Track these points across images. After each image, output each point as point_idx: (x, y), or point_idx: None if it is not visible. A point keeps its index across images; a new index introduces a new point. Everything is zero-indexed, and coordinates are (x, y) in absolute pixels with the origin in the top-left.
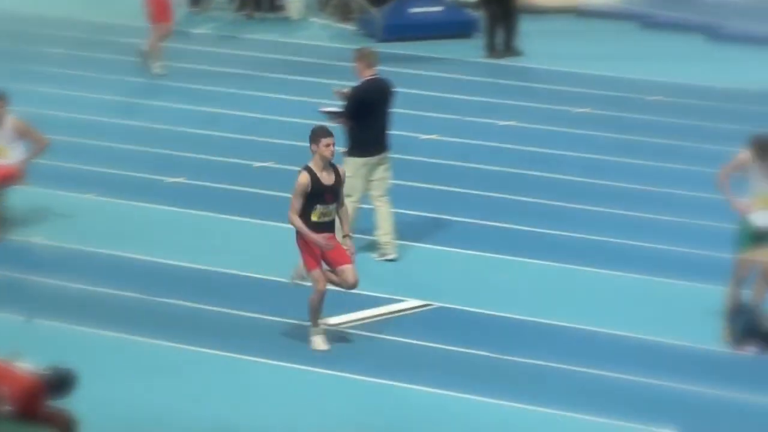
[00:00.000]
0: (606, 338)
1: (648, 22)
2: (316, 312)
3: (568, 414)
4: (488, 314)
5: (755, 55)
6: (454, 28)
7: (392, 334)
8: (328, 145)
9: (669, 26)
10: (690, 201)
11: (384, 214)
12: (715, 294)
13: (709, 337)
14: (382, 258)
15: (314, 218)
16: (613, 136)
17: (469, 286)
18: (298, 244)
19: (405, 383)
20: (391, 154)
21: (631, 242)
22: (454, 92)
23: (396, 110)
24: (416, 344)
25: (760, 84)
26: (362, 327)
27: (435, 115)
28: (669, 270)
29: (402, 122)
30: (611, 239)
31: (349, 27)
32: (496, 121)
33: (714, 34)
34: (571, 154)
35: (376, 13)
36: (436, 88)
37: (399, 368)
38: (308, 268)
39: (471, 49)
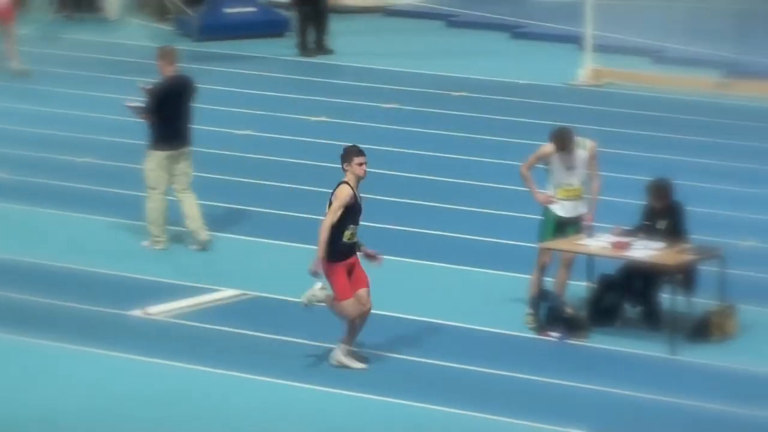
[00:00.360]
0: (417, 325)
1: (453, 21)
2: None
3: (376, 397)
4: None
5: (555, 52)
6: (267, 28)
7: (210, 322)
8: (361, 164)
9: (473, 25)
10: (495, 193)
11: (190, 205)
12: (519, 282)
13: (514, 323)
14: (195, 247)
15: (345, 238)
16: (420, 131)
17: (282, 275)
18: (328, 271)
19: (213, 368)
20: (208, 149)
21: (438, 233)
22: (268, 89)
23: (212, 107)
24: (231, 332)
25: (560, 79)
26: (182, 316)
27: (249, 111)
28: (476, 259)
29: (217, 118)
30: (419, 230)
31: (166, 27)
32: (309, 117)
33: (516, 32)
34: (380, 148)
35: (192, 14)
36: (250, 85)
37: (212, 354)
38: (341, 297)
39: (284, 48)
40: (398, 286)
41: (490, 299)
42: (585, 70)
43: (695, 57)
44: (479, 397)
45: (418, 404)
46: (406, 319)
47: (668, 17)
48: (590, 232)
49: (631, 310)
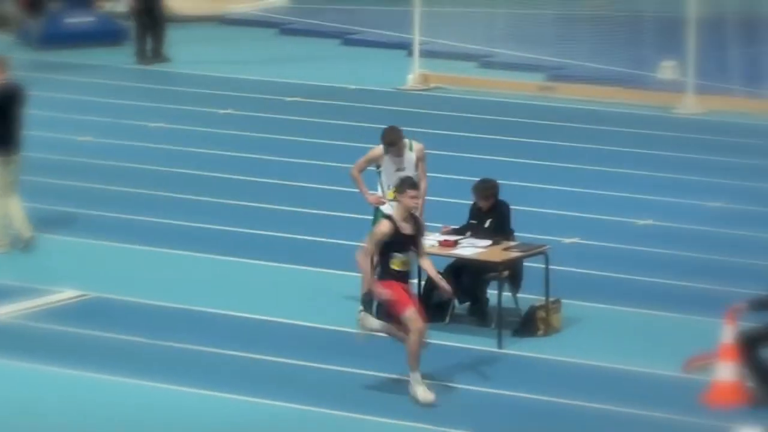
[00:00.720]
0: (251, 323)
1: (286, 29)
2: (417, 356)
3: (217, 394)
4: (141, 303)
5: (384, 58)
6: (106, 37)
7: (52, 323)
8: (413, 197)
9: (306, 32)
10: (327, 194)
11: (15, 207)
12: (352, 280)
13: (348, 319)
14: (21, 246)
15: (395, 266)
16: (255, 135)
17: (120, 276)
18: (377, 292)
19: (59, 368)
20: (51, 156)
21: (273, 234)
22: (108, 97)
23: (53, 114)
24: (75, 332)
25: (390, 84)
26: (23, 317)
27: (90, 118)
28: (308, 259)
29: (59, 125)
30: (256, 231)
31: (7, 36)
32: (148, 123)
33: (347, 39)
34: (216, 152)
35: (33, 23)
36: (90, 93)
37: (49, 354)
38: (400, 311)
39: (122, 57)
40: (231, 285)
41: (323, 297)
42: (414, 75)
43: (519, 61)
44: (312, 391)
45: (252, 399)
46: (240, 317)
47: (493, 24)
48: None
49: (459, 306)
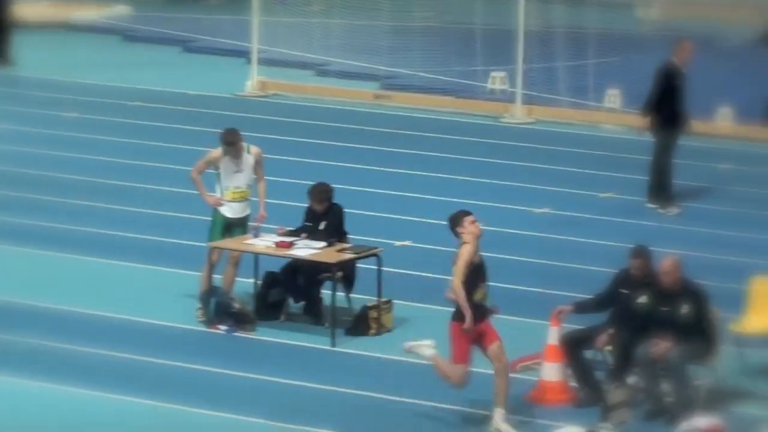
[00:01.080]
0: (97, 319)
1: (130, 36)
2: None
3: (60, 387)
4: None
5: (224, 65)
6: None
7: None
8: (473, 222)
9: (149, 39)
10: (168, 195)
11: None
12: (191, 279)
13: (187, 317)
14: None
15: (477, 297)
16: (100, 138)
17: None
18: (452, 332)
19: None
20: None
21: (116, 233)
22: None
23: None
24: None
25: (229, 90)
26: None
27: None
28: (150, 257)
29: None
30: (98, 230)
31: None
32: None
33: (189, 46)
34: (62, 153)
35: None
36: None
37: None
38: (455, 360)
39: None
40: (80, 283)
41: (163, 294)
42: (252, 82)
43: (355, 70)
44: (154, 386)
45: (96, 393)
46: (88, 314)
47: (329, 34)
48: (256, 232)
49: (294, 305)
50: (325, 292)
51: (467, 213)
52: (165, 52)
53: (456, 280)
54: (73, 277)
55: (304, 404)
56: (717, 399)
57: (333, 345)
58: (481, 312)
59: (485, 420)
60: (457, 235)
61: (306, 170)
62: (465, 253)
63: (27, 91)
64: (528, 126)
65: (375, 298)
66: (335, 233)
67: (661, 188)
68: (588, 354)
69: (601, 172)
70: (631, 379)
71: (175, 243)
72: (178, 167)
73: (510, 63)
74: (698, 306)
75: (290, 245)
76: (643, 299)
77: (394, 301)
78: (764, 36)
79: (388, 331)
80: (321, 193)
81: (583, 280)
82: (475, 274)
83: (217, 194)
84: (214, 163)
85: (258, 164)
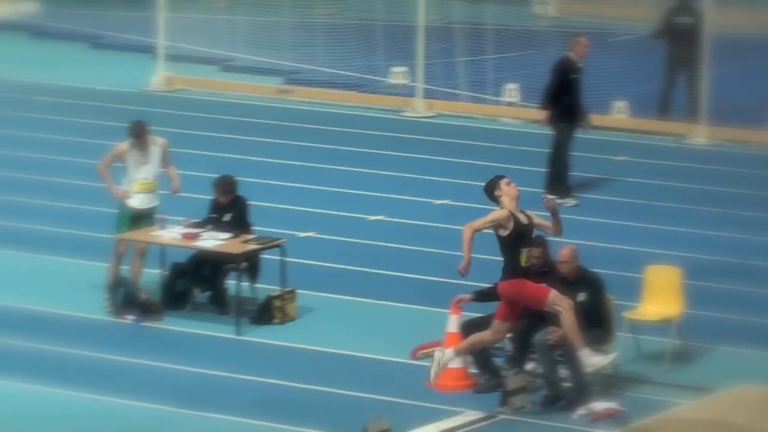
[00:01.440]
0: (2, 310)
1: (38, 32)
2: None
3: None
4: None
5: (130, 61)
6: None
7: None
8: (509, 183)
9: (56, 35)
10: (76, 189)
11: None
12: (98, 270)
13: (95, 307)
14: None
15: (523, 263)
16: (7, 132)
17: None
18: (516, 286)
19: None
20: None
21: (24, 225)
22: None
23: None
24: None
25: (135, 86)
26: None
27: None
28: (59, 249)
29: None
30: (6, 223)
31: None
32: None
33: (95, 42)
34: None
35: None
36: None
37: None
38: (498, 317)
39: None
40: None
41: (71, 285)
42: (158, 77)
43: (259, 65)
44: (60, 375)
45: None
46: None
47: (234, 30)
48: (163, 223)
49: (200, 295)
50: (230, 283)
51: (502, 176)
52: (73, 48)
53: (470, 224)
54: None
55: (209, 391)
56: (613, 384)
57: (238, 334)
58: (527, 274)
59: (390, 406)
60: (495, 199)
61: (211, 163)
62: (495, 213)
63: None
64: (429, 120)
65: (279, 288)
66: (240, 225)
67: (558, 180)
68: None
69: (501, 165)
70: (530, 366)
71: (83, 235)
72: (86, 161)
73: (411, 58)
74: (595, 294)
75: (196, 237)
76: None
77: (298, 291)
78: (658, 31)
79: (292, 320)
80: (226, 185)
81: (484, 270)
82: (520, 238)
83: (125, 187)
84: (121, 157)
85: (165, 156)
